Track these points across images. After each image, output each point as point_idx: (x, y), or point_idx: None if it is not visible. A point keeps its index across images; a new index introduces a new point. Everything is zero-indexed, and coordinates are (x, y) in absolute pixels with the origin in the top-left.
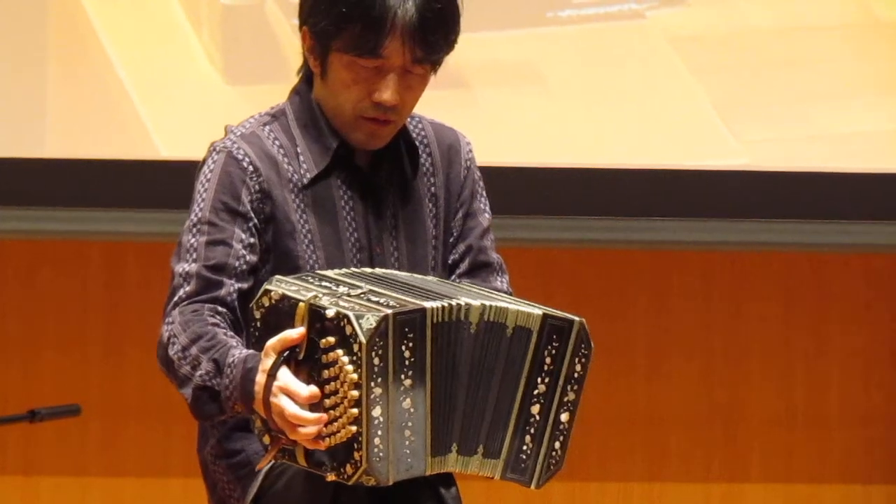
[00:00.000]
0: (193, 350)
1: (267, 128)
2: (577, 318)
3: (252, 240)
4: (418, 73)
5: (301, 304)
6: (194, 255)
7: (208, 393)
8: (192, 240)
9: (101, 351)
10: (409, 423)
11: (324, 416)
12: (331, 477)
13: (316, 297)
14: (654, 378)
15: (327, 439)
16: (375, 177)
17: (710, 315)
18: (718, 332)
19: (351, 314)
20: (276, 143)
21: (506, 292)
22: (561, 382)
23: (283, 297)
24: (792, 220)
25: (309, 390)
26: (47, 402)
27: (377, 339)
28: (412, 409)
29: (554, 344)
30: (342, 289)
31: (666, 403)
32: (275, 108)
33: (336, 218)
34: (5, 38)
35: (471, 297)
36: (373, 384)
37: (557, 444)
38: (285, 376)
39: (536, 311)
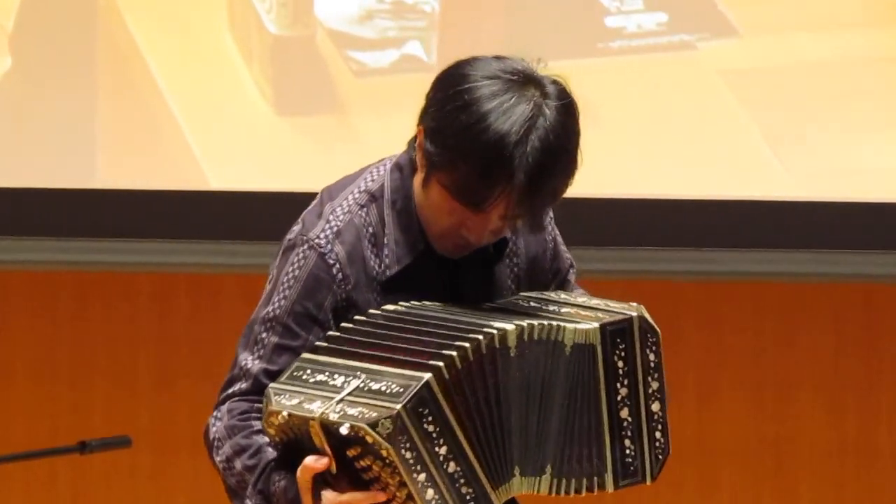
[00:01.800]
0: (238, 465)
1: (364, 211)
2: (634, 314)
3: None
4: (513, 224)
5: (312, 422)
6: (260, 352)
7: None
8: (264, 334)
9: (152, 382)
10: (462, 480)
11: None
12: None
13: (323, 414)
14: (705, 409)
15: None
16: (458, 266)
17: (760, 346)
18: (769, 363)
19: (366, 426)
20: (369, 230)
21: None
22: (640, 378)
23: (291, 416)
24: (843, 251)
25: (366, 495)
26: (97, 434)
27: (400, 438)
28: (459, 468)
29: (620, 346)
30: (338, 380)
31: (716, 435)
32: (376, 182)
33: None
34: (55, 69)
35: (505, 321)
36: (415, 475)
37: (658, 434)
38: (332, 497)
39: (592, 325)
